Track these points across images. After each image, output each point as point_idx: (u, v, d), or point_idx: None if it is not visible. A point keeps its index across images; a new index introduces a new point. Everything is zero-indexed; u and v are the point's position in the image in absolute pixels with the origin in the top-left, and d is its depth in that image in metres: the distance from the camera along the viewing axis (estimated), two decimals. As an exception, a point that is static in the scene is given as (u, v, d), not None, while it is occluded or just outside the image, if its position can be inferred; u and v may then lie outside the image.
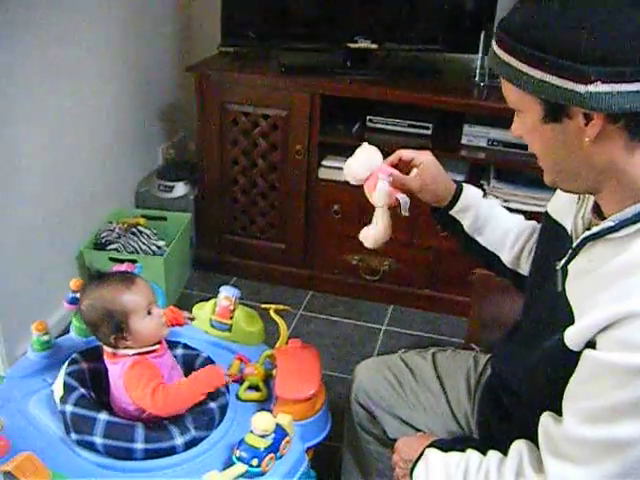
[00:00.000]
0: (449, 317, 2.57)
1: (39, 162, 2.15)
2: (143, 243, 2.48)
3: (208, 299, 1.66)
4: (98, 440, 1.23)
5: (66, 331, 1.65)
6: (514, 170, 2.36)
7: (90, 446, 1.24)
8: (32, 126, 2.09)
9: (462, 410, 1.39)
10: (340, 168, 2.46)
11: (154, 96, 2.85)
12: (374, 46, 2.47)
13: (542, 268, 1.13)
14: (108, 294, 1.30)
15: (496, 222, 1.34)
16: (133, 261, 2.19)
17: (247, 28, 2.57)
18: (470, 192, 1.34)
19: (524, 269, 1.31)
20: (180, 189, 2.76)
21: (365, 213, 2.50)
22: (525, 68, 0.89)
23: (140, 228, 2.52)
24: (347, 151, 2.48)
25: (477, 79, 2.39)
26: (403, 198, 1.29)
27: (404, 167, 1.33)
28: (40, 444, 1.24)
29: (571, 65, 0.84)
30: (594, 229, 0.96)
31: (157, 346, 1.34)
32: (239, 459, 1.19)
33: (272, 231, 2.71)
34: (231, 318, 1.57)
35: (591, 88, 0.84)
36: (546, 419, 0.99)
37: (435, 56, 2.58)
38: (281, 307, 1.55)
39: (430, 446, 1.15)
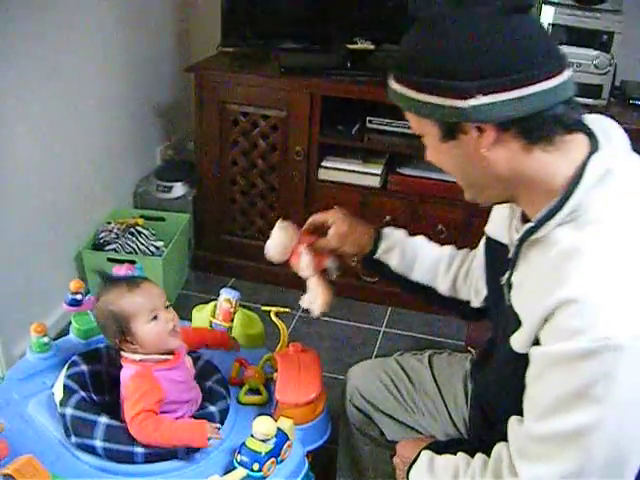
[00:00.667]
0: (448, 319, 2.56)
1: (37, 162, 2.14)
2: (141, 243, 2.48)
3: (207, 301, 1.65)
4: (98, 443, 1.22)
5: (64, 332, 1.64)
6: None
7: (90, 449, 1.23)
8: (30, 126, 2.08)
9: (460, 414, 1.39)
10: (340, 169, 2.49)
11: (153, 96, 2.84)
12: (372, 47, 2.47)
13: (494, 288, 1.15)
14: (112, 296, 1.30)
15: (423, 256, 1.37)
16: (132, 262, 2.18)
17: (247, 28, 2.56)
18: (391, 233, 1.37)
19: (464, 294, 1.34)
20: (178, 189, 2.75)
21: (365, 214, 2.50)
22: (414, 94, 0.94)
23: (138, 228, 2.51)
24: (347, 152, 2.50)
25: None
26: (330, 262, 1.33)
27: (320, 230, 1.36)
28: (40, 447, 1.23)
29: (450, 83, 0.89)
30: (518, 235, 1.00)
31: (169, 356, 1.31)
32: (240, 463, 1.19)
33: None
34: (232, 321, 1.57)
35: (473, 102, 0.89)
36: (512, 422, 1.01)
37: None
38: (282, 309, 1.54)
39: (427, 448, 1.17)
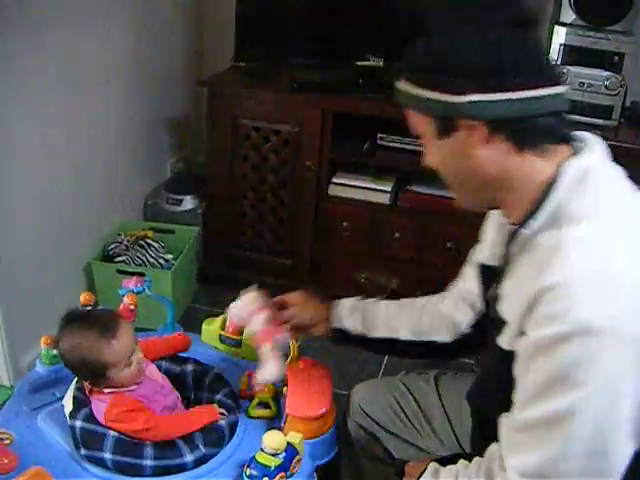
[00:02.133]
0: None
1: (47, 174, 2.15)
2: (151, 256, 2.48)
3: (215, 314, 1.65)
4: (107, 456, 1.22)
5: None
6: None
7: (99, 462, 1.23)
8: (41, 138, 2.09)
9: (466, 436, 1.36)
10: (350, 186, 2.49)
11: (165, 109, 2.86)
12: (381, 64, 2.48)
13: (487, 306, 1.17)
14: (88, 345, 1.25)
15: (381, 312, 1.43)
16: (141, 274, 2.19)
17: (260, 44, 2.58)
18: (345, 301, 1.45)
19: (464, 327, 1.34)
20: (188, 202, 2.76)
21: (374, 231, 2.49)
22: (415, 90, 1.00)
23: (148, 241, 2.52)
24: (358, 168, 2.51)
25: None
26: (283, 336, 1.38)
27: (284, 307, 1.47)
28: (49, 459, 1.24)
29: (448, 80, 0.95)
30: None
31: (134, 387, 1.31)
32: (250, 477, 1.18)
33: (280, 247, 2.70)
34: (241, 334, 1.57)
35: (467, 98, 0.94)
36: (501, 419, 1.01)
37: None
38: (292, 324, 1.54)
39: (434, 461, 1.16)
